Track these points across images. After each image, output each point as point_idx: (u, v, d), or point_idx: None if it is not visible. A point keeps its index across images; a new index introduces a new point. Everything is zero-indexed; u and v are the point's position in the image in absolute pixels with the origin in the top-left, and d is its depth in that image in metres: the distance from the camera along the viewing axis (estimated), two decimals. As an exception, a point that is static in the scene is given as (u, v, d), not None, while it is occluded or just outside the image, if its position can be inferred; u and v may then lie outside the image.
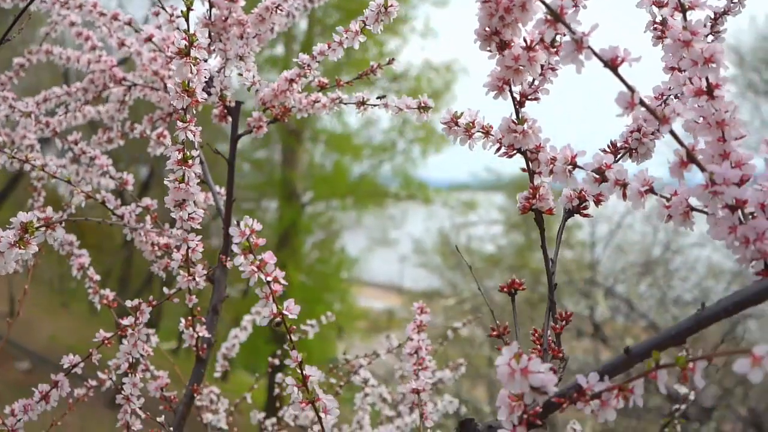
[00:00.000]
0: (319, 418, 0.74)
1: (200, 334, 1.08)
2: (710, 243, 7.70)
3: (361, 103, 1.06)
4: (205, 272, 1.01)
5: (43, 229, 0.74)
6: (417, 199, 12.06)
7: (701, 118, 0.63)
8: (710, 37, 0.84)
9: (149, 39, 1.12)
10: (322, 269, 11.94)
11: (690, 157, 0.59)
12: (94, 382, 1.22)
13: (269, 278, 0.71)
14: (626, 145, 0.79)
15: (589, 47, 0.57)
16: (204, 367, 1.13)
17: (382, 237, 12.81)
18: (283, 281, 0.71)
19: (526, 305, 6.75)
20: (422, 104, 0.96)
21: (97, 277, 1.17)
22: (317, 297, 10.61)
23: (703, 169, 0.58)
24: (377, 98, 1.04)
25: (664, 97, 0.80)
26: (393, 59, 1.14)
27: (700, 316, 0.57)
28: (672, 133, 0.59)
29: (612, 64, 0.58)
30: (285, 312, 0.72)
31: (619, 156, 0.80)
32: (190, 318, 1.07)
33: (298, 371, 0.74)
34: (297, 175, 11.75)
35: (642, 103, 0.58)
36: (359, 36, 0.99)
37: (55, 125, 1.36)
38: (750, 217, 0.60)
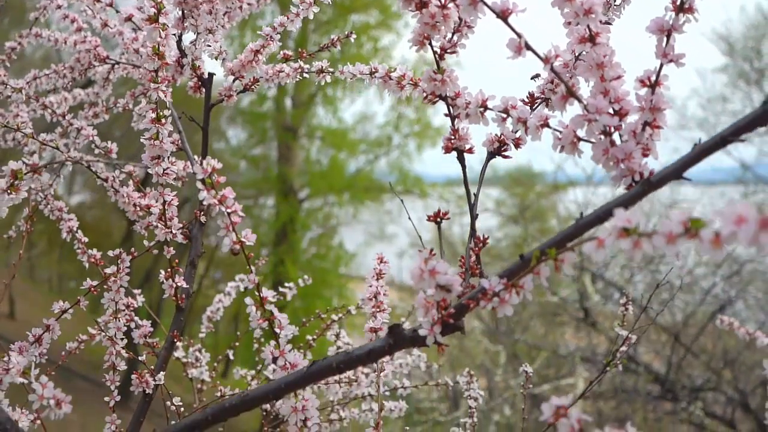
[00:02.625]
0: (275, 334, 0.85)
1: (179, 285, 1.19)
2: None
3: (321, 71, 1.17)
4: (180, 225, 1.12)
5: (30, 174, 0.85)
6: (413, 193, 12.17)
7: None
8: (618, 0, 0.95)
9: (129, 18, 1.23)
10: (319, 265, 12.02)
11: (569, 92, 0.70)
12: (84, 337, 1.32)
13: (229, 210, 0.82)
14: (542, 95, 0.90)
15: (481, 0, 0.68)
16: (183, 315, 1.24)
17: (379, 232, 12.92)
18: (241, 213, 0.82)
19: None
20: (373, 70, 1.06)
21: (85, 239, 1.28)
22: (315, 293, 10.70)
23: (580, 101, 0.69)
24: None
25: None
26: (351, 33, 1.25)
27: (579, 222, 0.68)
28: (553, 71, 0.70)
29: (503, 15, 0.69)
30: (243, 239, 0.83)
31: (536, 105, 0.91)
32: (169, 269, 1.18)
33: (256, 293, 0.85)
34: (293, 172, 11.85)
35: (527, 47, 0.69)
36: (313, 7, 1.11)
37: (46, 104, 1.47)
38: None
